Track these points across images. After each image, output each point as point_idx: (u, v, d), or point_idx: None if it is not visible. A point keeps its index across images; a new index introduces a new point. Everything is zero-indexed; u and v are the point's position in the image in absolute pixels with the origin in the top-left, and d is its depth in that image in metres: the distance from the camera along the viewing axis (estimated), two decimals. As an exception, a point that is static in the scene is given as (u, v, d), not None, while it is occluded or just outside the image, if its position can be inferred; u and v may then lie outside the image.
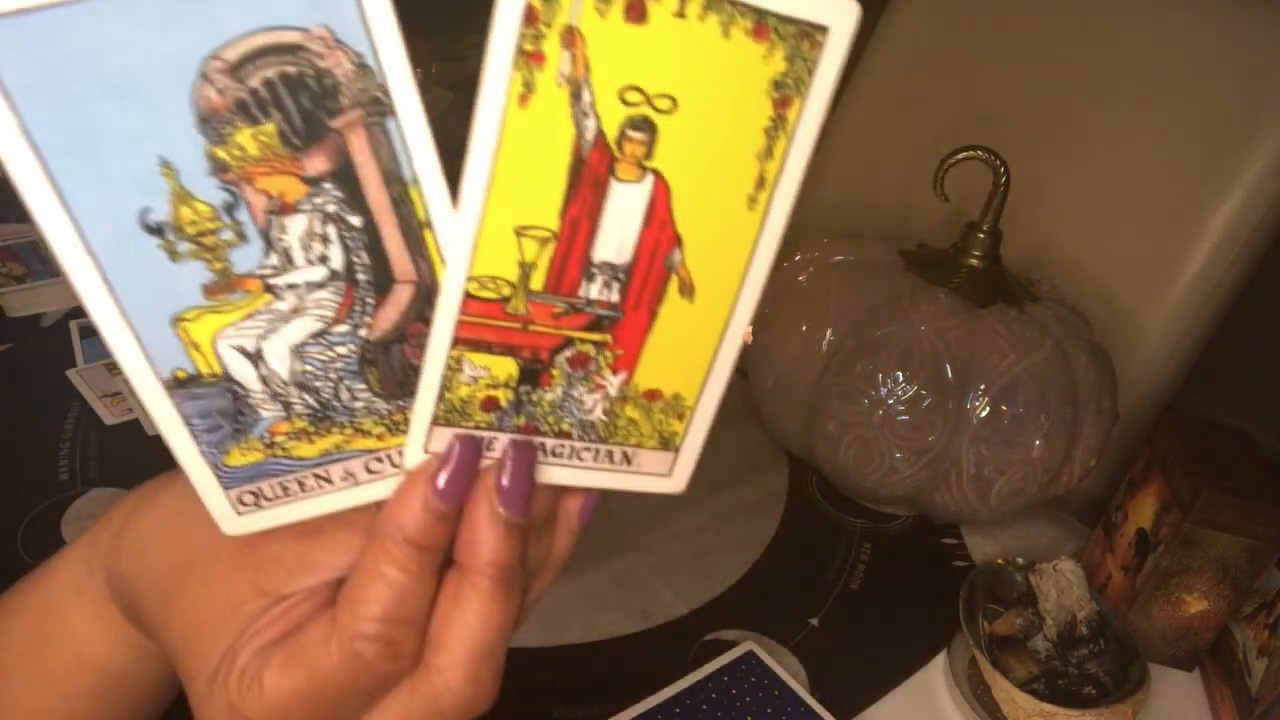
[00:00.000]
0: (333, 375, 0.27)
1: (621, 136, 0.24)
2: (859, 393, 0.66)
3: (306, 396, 0.27)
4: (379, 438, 0.28)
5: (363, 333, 0.26)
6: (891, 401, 0.65)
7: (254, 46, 0.22)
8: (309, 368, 0.26)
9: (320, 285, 0.25)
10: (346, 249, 0.25)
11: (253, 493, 0.27)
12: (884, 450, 0.66)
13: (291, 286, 0.25)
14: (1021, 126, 0.98)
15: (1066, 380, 0.67)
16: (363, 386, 0.27)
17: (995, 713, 0.59)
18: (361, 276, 0.25)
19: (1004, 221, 0.71)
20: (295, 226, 0.24)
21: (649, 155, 0.24)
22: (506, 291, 0.25)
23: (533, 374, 0.27)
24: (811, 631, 0.65)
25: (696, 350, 0.28)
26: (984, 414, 0.65)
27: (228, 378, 0.26)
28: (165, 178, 0.23)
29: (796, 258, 0.79)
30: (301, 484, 0.28)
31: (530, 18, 0.21)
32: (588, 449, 0.29)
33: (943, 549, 0.75)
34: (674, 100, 0.23)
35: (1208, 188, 0.88)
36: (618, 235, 0.25)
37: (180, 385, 0.26)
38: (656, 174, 0.24)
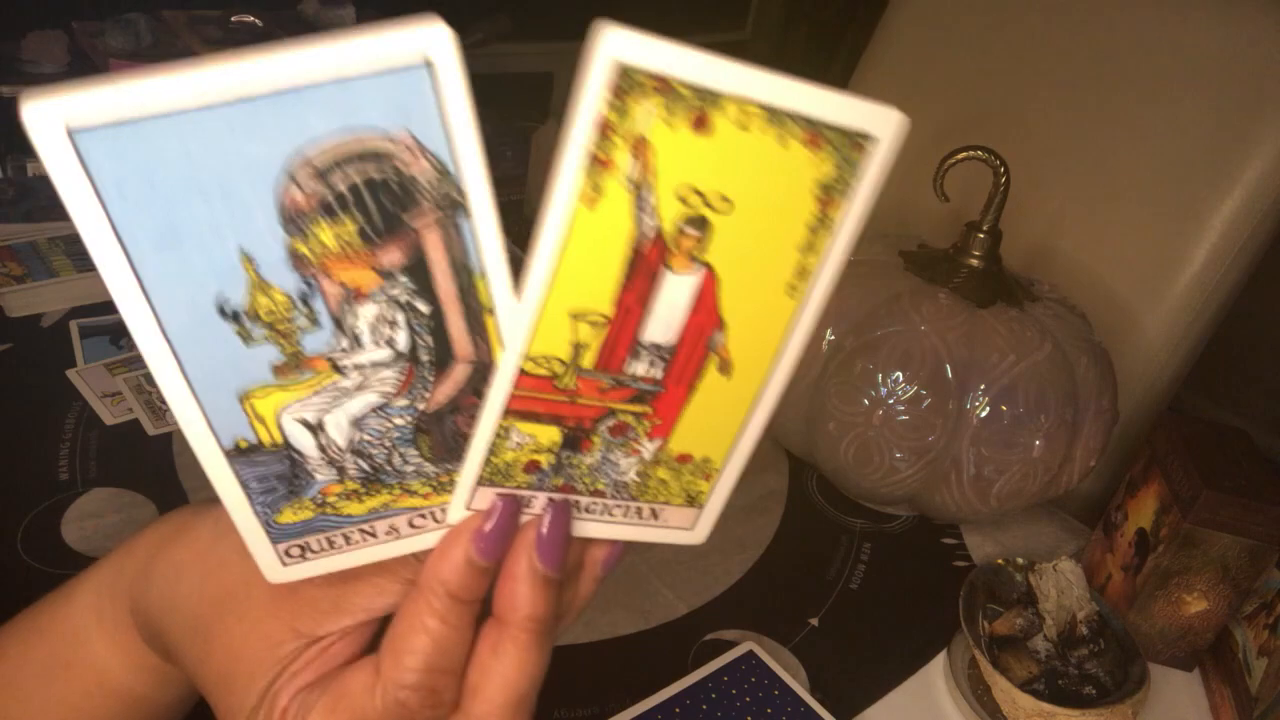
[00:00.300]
0: (388, 443, 0.28)
1: (678, 233, 0.25)
2: (859, 393, 0.66)
3: (361, 462, 0.28)
4: (424, 496, 0.29)
5: (420, 406, 0.28)
6: (891, 401, 0.65)
7: (342, 152, 0.23)
8: (366, 437, 0.28)
9: (385, 365, 0.27)
10: (413, 333, 0.26)
11: (300, 546, 0.29)
12: (884, 450, 0.66)
13: (358, 366, 0.26)
14: (1021, 126, 0.98)
15: (1066, 380, 0.67)
16: (415, 453, 0.28)
17: (995, 713, 0.59)
18: (424, 357, 0.27)
19: (1004, 221, 0.71)
20: (366, 313, 0.25)
21: (702, 250, 0.26)
22: (558, 369, 0.27)
23: (575, 441, 0.29)
24: (811, 631, 0.65)
25: (728, 419, 0.30)
26: (984, 414, 0.65)
27: (288, 446, 0.27)
28: (245, 269, 0.24)
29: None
30: (347, 538, 0.29)
31: (603, 127, 0.23)
32: (619, 506, 0.31)
33: (943, 549, 0.75)
34: (729, 201, 0.25)
35: (1208, 188, 0.88)
36: (666, 319, 0.27)
37: (241, 454, 0.27)
38: (707, 266, 0.26)
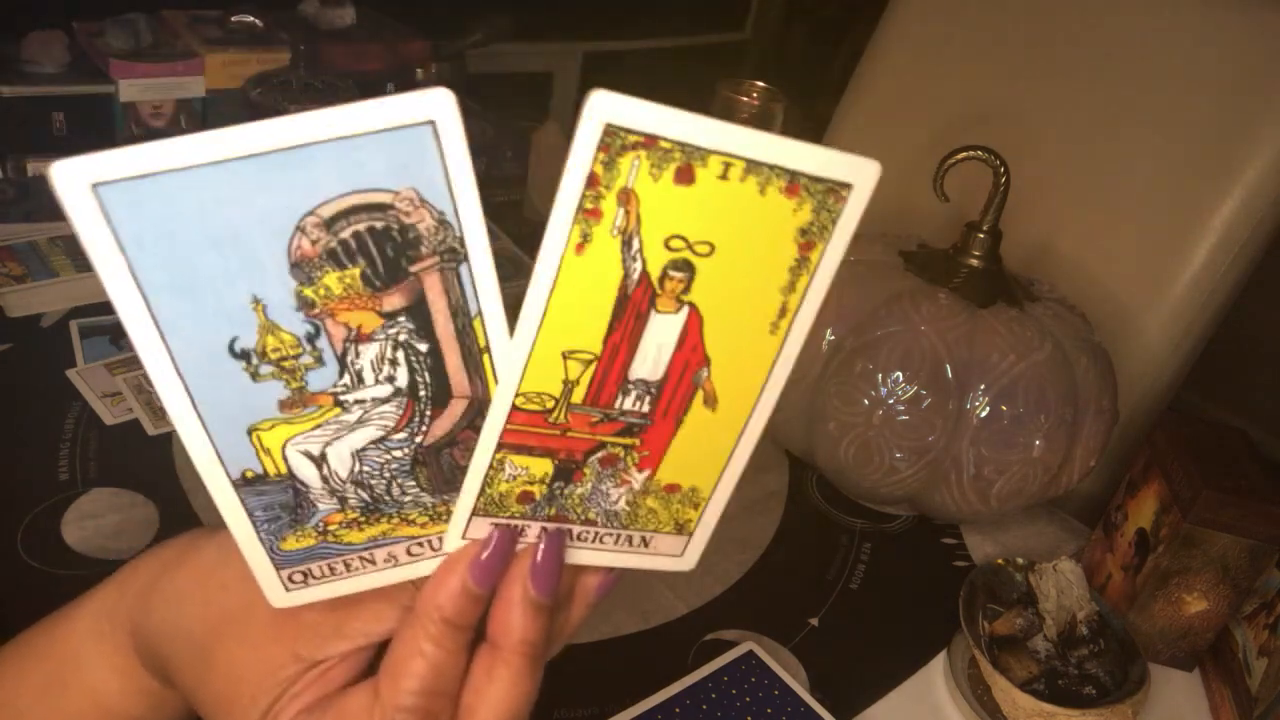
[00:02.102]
0: (387, 475, 0.30)
1: (664, 276, 0.27)
2: (859, 393, 0.66)
3: (361, 492, 0.30)
4: (422, 526, 0.31)
5: (418, 439, 0.29)
6: (891, 401, 0.65)
7: (347, 205, 0.25)
8: (366, 468, 0.29)
9: (385, 400, 0.28)
10: (412, 371, 0.28)
11: (302, 572, 0.30)
12: (884, 450, 0.66)
13: (359, 401, 0.28)
14: (1021, 126, 0.98)
15: (1066, 380, 0.67)
16: (413, 484, 0.30)
17: (995, 713, 0.59)
18: (423, 393, 0.28)
19: (1004, 221, 0.71)
20: (369, 352, 0.27)
21: (686, 291, 0.27)
22: (550, 404, 0.29)
23: (567, 472, 0.31)
24: (811, 631, 0.65)
25: (715, 450, 0.32)
26: (984, 414, 0.65)
27: (292, 476, 0.29)
28: (255, 312, 0.26)
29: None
30: (347, 565, 0.31)
31: (592, 181, 0.25)
32: (610, 534, 0.33)
33: (943, 549, 0.75)
34: (712, 246, 0.27)
35: (1208, 188, 0.88)
36: (653, 356, 0.29)
37: (248, 483, 0.28)
38: (691, 306, 0.28)
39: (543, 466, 0.30)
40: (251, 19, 1.10)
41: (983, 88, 1.02)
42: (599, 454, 0.30)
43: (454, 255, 0.26)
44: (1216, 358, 0.97)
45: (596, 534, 0.32)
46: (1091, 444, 0.69)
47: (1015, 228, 0.75)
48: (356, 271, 0.26)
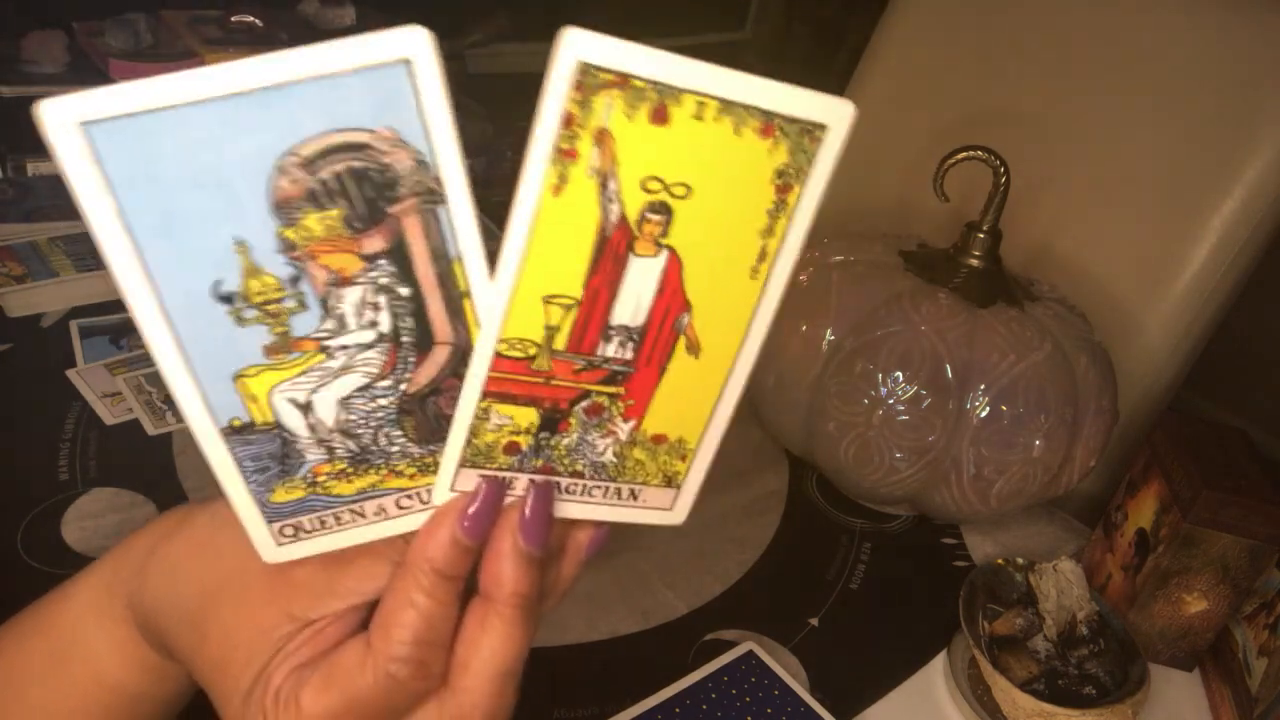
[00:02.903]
0: (373, 424, 0.30)
1: (641, 218, 0.27)
2: (859, 393, 0.66)
3: (348, 442, 0.30)
4: (410, 478, 0.31)
5: (403, 387, 0.29)
6: (891, 401, 0.65)
7: (326, 144, 0.25)
8: (352, 417, 0.30)
9: (368, 346, 0.28)
10: (394, 315, 0.28)
11: (293, 526, 0.31)
12: (884, 450, 0.66)
13: (343, 347, 0.28)
14: (1021, 126, 0.98)
15: (1066, 380, 0.67)
16: (399, 433, 0.30)
17: (995, 713, 0.59)
18: (405, 339, 0.28)
19: (1004, 221, 0.71)
20: (351, 296, 0.27)
21: (664, 234, 0.27)
22: (533, 351, 0.29)
23: (552, 422, 0.31)
24: (811, 631, 0.65)
25: (700, 399, 0.31)
26: (984, 414, 0.65)
27: (279, 425, 0.29)
28: (239, 255, 0.26)
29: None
30: (338, 518, 0.31)
31: (568, 120, 0.25)
32: (599, 486, 0.33)
33: (943, 549, 0.75)
34: (689, 187, 0.27)
35: (1208, 188, 0.88)
36: (633, 302, 0.29)
37: (236, 432, 0.29)
38: (670, 250, 0.28)
39: (528, 416, 0.30)
40: (251, 19, 1.10)
41: (983, 88, 1.02)
42: (584, 403, 0.30)
43: (433, 196, 0.26)
44: (1216, 358, 0.97)
45: (584, 486, 0.32)
46: (1091, 444, 0.69)
47: (1015, 228, 0.75)
48: (337, 213, 0.26)
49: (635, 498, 0.33)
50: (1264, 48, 0.87)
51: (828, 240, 0.77)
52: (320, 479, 0.30)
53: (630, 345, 0.29)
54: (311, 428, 0.29)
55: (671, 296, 0.29)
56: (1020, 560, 0.66)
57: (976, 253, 0.71)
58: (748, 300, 0.29)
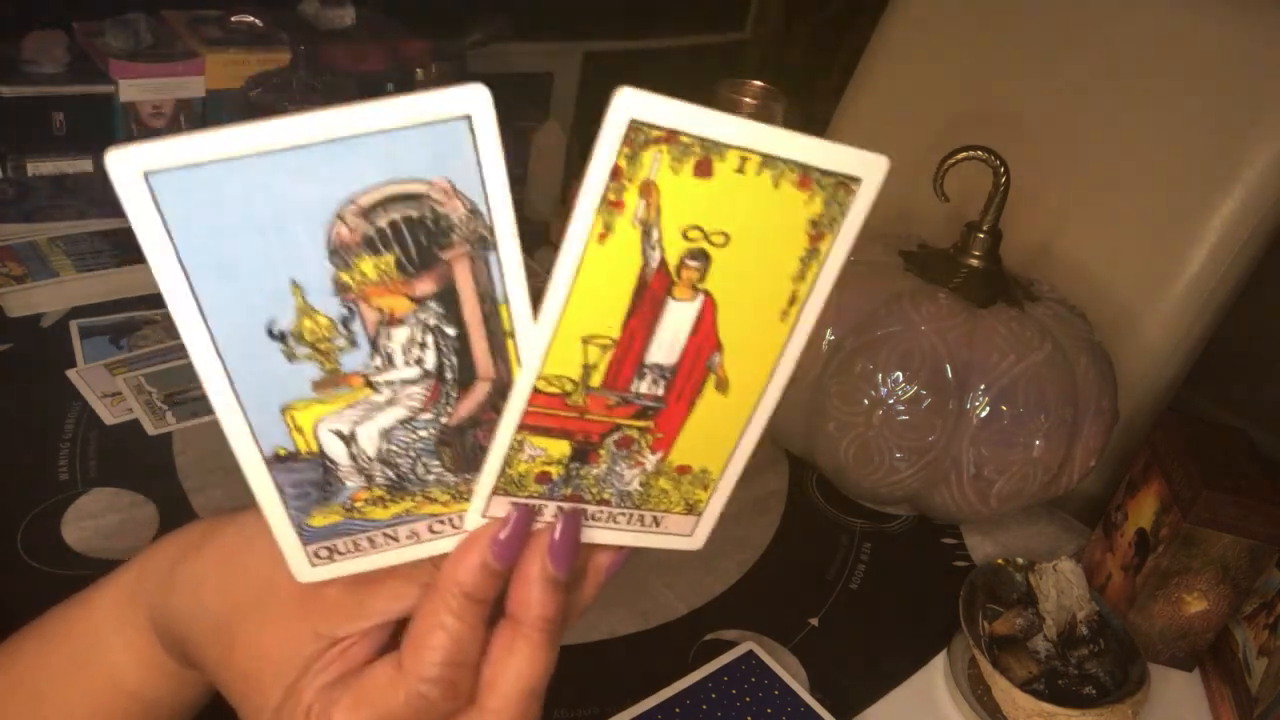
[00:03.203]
0: (412, 453, 0.31)
1: (681, 264, 0.28)
2: (859, 393, 0.66)
3: (388, 470, 0.31)
4: (444, 504, 0.32)
5: (443, 420, 0.30)
6: (891, 401, 0.65)
7: (385, 195, 0.26)
8: (393, 447, 0.31)
9: (413, 382, 0.29)
10: (440, 353, 0.29)
11: (328, 548, 0.31)
12: (884, 450, 0.67)
13: (389, 383, 0.29)
14: (1021, 126, 0.98)
15: (1066, 380, 0.67)
16: (437, 463, 0.31)
17: (995, 713, 0.59)
18: (449, 375, 0.30)
19: (1004, 221, 0.71)
20: (399, 335, 0.28)
21: (702, 279, 0.29)
22: (569, 388, 0.30)
23: (583, 453, 0.32)
24: (811, 631, 0.65)
25: (725, 433, 0.33)
26: (984, 414, 0.65)
27: (322, 454, 0.30)
28: (293, 296, 0.27)
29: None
30: (371, 541, 0.32)
31: (616, 174, 0.26)
32: (624, 514, 0.34)
33: (943, 549, 0.75)
34: (727, 236, 0.28)
35: (1208, 188, 0.88)
36: (669, 342, 0.30)
37: (280, 461, 0.29)
38: (707, 294, 0.29)
39: (560, 448, 0.31)
40: (251, 19, 1.10)
41: (983, 88, 1.02)
42: (615, 436, 0.32)
43: (484, 243, 0.27)
44: (1216, 358, 0.97)
45: (610, 514, 0.33)
46: (1091, 444, 0.69)
47: (1015, 228, 0.75)
48: (391, 258, 0.27)
49: (658, 524, 0.35)
50: (1264, 48, 0.87)
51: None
52: (358, 504, 0.31)
53: (662, 383, 0.31)
54: (353, 457, 0.30)
55: (704, 338, 0.30)
56: (1020, 560, 0.66)
57: (976, 253, 0.71)
58: (777, 340, 0.31)
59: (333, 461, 0.30)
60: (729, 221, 0.28)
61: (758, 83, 0.89)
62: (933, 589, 0.70)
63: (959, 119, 1.02)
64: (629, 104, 0.25)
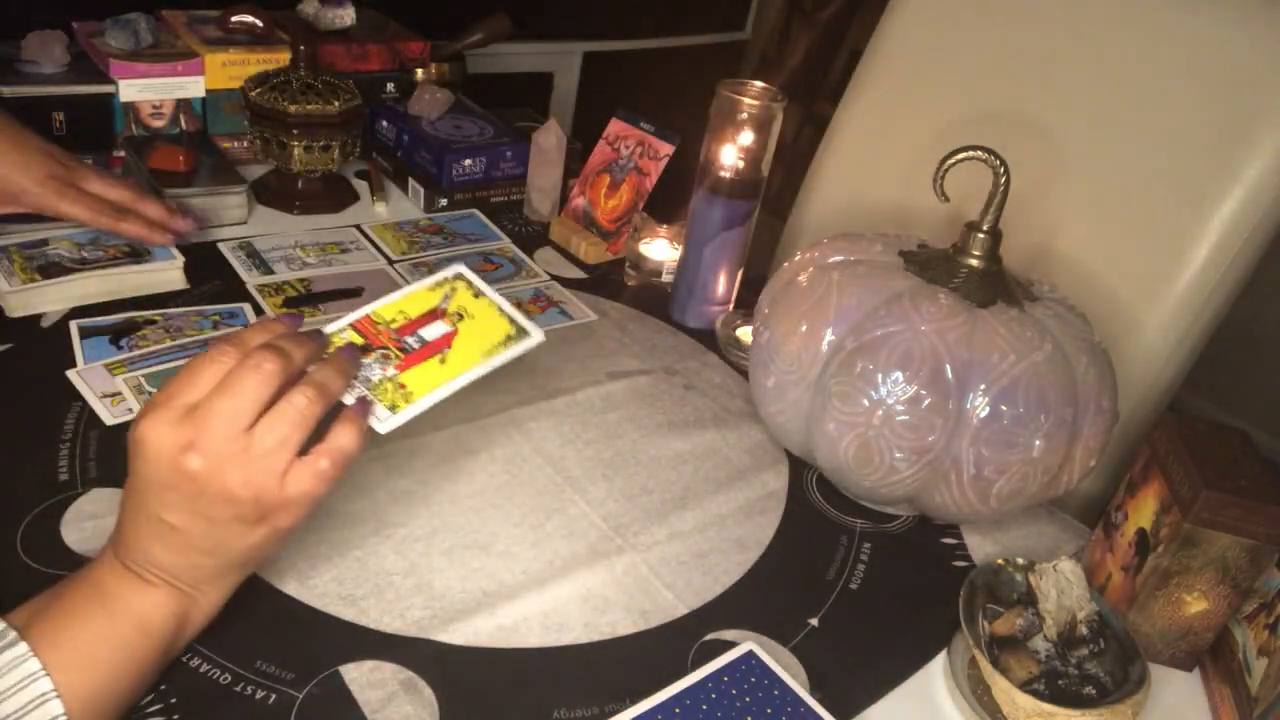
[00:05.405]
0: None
1: (451, 312, 0.64)
2: (859, 393, 0.66)
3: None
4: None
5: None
6: (891, 401, 0.65)
7: None
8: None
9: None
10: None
11: None
12: (884, 450, 0.67)
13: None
14: (1021, 127, 0.98)
15: (1066, 380, 0.67)
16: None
17: (995, 713, 0.59)
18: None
19: (1004, 221, 0.71)
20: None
21: (456, 322, 0.64)
22: (381, 323, 0.62)
23: (367, 348, 0.60)
24: (811, 631, 0.65)
25: (431, 382, 0.60)
26: (984, 414, 0.65)
27: None
28: None
29: (797, 257, 0.79)
30: None
31: (449, 289, 0.66)
32: (361, 386, 0.58)
33: (943, 549, 0.75)
34: (473, 316, 0.65)
35: (1208, 188, 0.88)
36: (430, 333, 0.62)
37: None
38: (455, 326, 0.64)
39: (359, 339, 0.61)
40: (251, 19, 1.10)
41: (983, 88, 1.02)
42: (383, 350, 0.60)
43: None
44: (1216, 358, 0.97)
45: (356, 384, 0.58)
46: (1091, 444, 0.69)
47: (1015, 228, 0.75)
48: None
49: (372, 405, 0.58)
50: (1263, 48, 0.87)
51: (827, 240, 0.77)
52: None
53: (419, 344, 0.62)
54: None
55: (445, 341, 0.62)
56: (1020, 560, 0.66)
57: (976, 253, 0.71)
58: (471, 364, 0.62)
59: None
60: (477, 312, 0.65)
61: (758, 83, 0.89)
62: (933, 589, 0.70)
63: (959, 119, 1.02)
64: (459, 269, 0.66)
